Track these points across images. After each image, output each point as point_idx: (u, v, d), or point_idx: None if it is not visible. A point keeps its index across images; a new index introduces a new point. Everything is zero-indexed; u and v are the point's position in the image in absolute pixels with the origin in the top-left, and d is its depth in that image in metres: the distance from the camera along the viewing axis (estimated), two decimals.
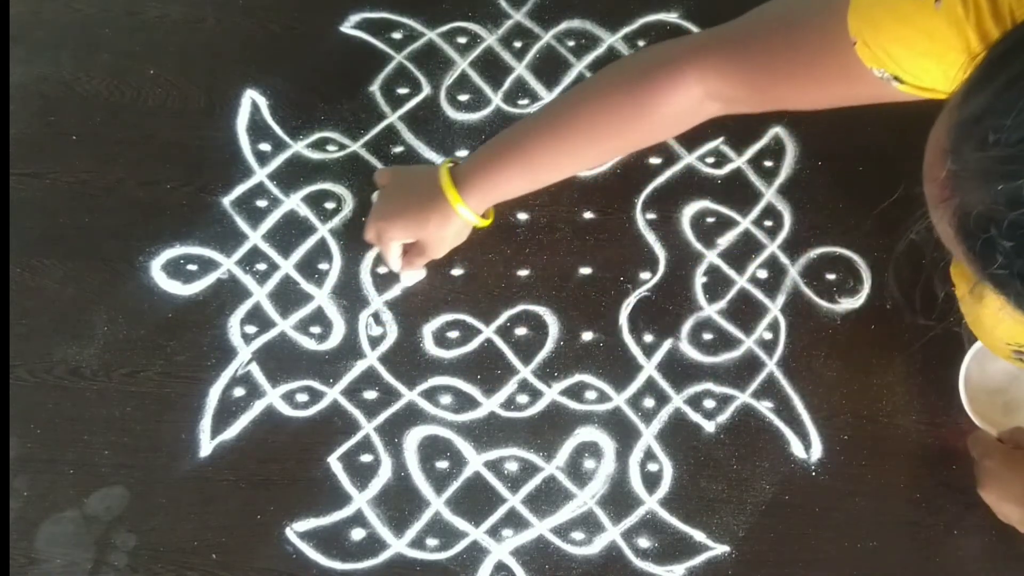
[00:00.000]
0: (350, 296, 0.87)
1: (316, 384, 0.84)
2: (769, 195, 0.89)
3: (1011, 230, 0.35)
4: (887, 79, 0.56)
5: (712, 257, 0.87)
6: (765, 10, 0.65)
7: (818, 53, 0.60)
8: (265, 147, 0.91)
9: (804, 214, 0.88)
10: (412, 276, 0.86)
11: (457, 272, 0.87)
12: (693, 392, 0.83)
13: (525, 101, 0.93)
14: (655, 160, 0.90)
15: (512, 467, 0.81)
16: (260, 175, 0.90)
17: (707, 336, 0.85)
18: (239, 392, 0.83)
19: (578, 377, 0.84)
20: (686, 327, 0.85)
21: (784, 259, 0.87)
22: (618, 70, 0.76)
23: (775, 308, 0.86)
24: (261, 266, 0.88)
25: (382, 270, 0.87)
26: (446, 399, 0.83)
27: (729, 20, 0.94)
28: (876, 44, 0.54)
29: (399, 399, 0.83)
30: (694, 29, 0.94)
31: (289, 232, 0.89)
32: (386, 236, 0.82)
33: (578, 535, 0.79)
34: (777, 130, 0.91)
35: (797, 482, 0.80)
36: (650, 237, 0.88)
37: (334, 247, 0.88)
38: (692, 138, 0.90)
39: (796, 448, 0.81)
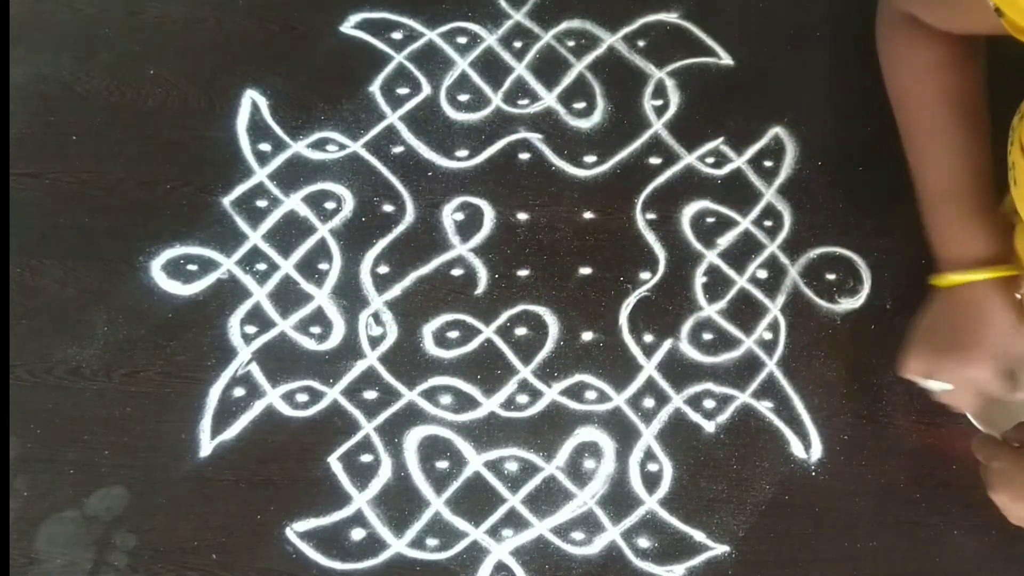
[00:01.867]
0: (350, 296, 0.87)
1: (316, 384, 0.84)
2: (769, 195, 0.89)
3: None
4: (993, 7, 0.58)
5: (712, 257, 0.87)
6: None
7: None
8: (265, 147, 0.91)
9: (804, 214, 0.88)
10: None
11: (457, 272, 0.87)
12: (693, 392, 0.83)
13: (525, 101, 0.93)
14: (655, 160, 0.90)
15: (512, 467, 0.81)
16: (260, 175, 0.90)
17: (707, 336, 0.85)
18: (239, 392, 0.83)
19: (578, 377, 0.84)
20: (686, 327, 0.85)
21: (784, 259, 0.87)
22: (892, 61, 0.78)
23: (775, 308, 0.86)
24: (261, 266, 0.88)
25: (382, 270, 0.87)
26: (446, 399, 0.83)
27: (730, 20, 0.95)
28: None
29: (399, 399, 0.83)
30: (694, 29, 0.94)
31: (289, 232, 0.89)
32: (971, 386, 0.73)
33: (578, 535, 0.79)
34: (777, 130, 0.91)
35: (797, 482, 0.80)
36: (650, 237, 0.88)
37: (334, 247, 0.88)
38: (692, 138, 0.90)
39: (796, 448, 0.81)
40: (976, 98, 0.74)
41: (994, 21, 0.59)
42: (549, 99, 0.93)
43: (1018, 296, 0.71)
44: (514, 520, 0.80)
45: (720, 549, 0.79)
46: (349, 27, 0.96)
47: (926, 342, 0.75)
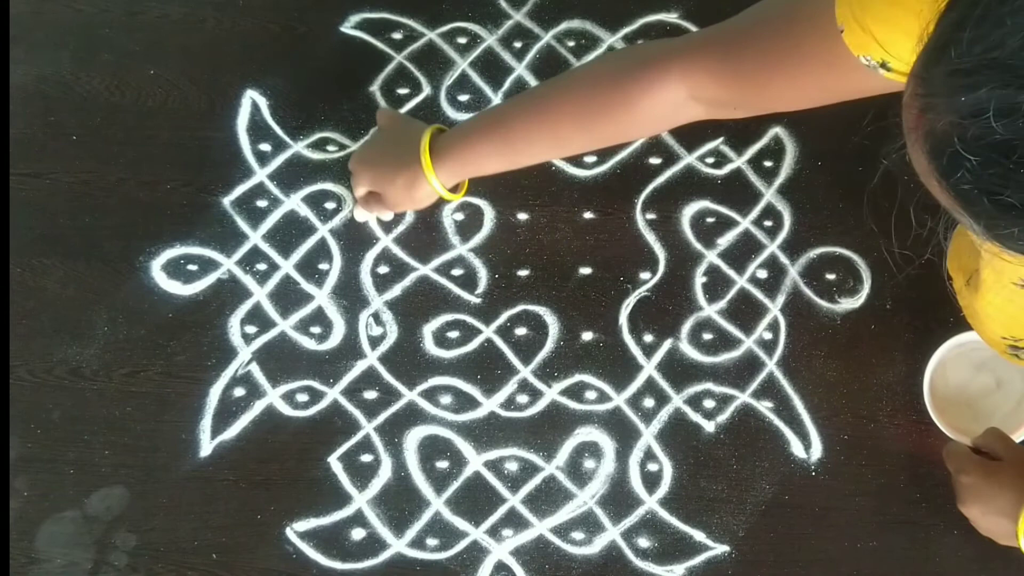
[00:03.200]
0: (350, 296, 0.87)
1: (316, 384, 0.84)
2: (769, 195, 0.89)
3: (974, 143, 0.36)
4: (873, 67, 0.56)
5: (712, 257, 0.87)
6: (753, 9, 0.65)
7: (805, 43, 0.59)
8: (265, 147, 0.91)
9: (804, 214, 0.88)
10: (362, 215, 0.88)
11: (457, 272, 0.87)
12: (693, 392, 0.83)
13: None
14: (655, 160, 0.90)
15: (512, 467, 0.81)
16: (260, 175, 0.90)
17: (707, 336, 0.85)
18: (239, 392, 0.83)
19: (578, 377, 0.84)
20: (686, 327, 0.85)
21: (784, 259, 0.87)
22: (605, 63, 0.77)
23: (775, 308, 0.86)
24: (261, 266, 0.88)
25: (382, 270, 0.87)
26: (446, 399, 0.83)
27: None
28: (863, 27, 0.54)
29: (399, 399, 0.83)
30: (694, 29, 0.94)
31: (289, 232, 0.89)
32: (356, 179, 0.85)
33: (578, 535, 0.79)
34: (777, 130, 0.91)
35: (797, 482, 0.80)
36: (650, 237, 0.88)
37: (334, 247, 0.88)
38: (692, 138, 0.90)
39: (796, 448, 0.81)
40: (628, 133, 0.80)
41: (870, 81, 0.56)
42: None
43: None
44: (514, 520, 0.80)
45: (720, 549, 0.79)
46: (349, 27, 0.96)
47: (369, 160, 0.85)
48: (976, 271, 0.67)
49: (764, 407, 0.83)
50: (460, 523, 0.80)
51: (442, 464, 0.81)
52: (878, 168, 0.91)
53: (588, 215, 0.89)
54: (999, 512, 0.69)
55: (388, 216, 0.88)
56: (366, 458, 0.82)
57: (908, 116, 0.43)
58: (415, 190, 0.81)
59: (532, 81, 0.93)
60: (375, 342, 0.85)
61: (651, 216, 0.89)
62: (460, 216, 0.89)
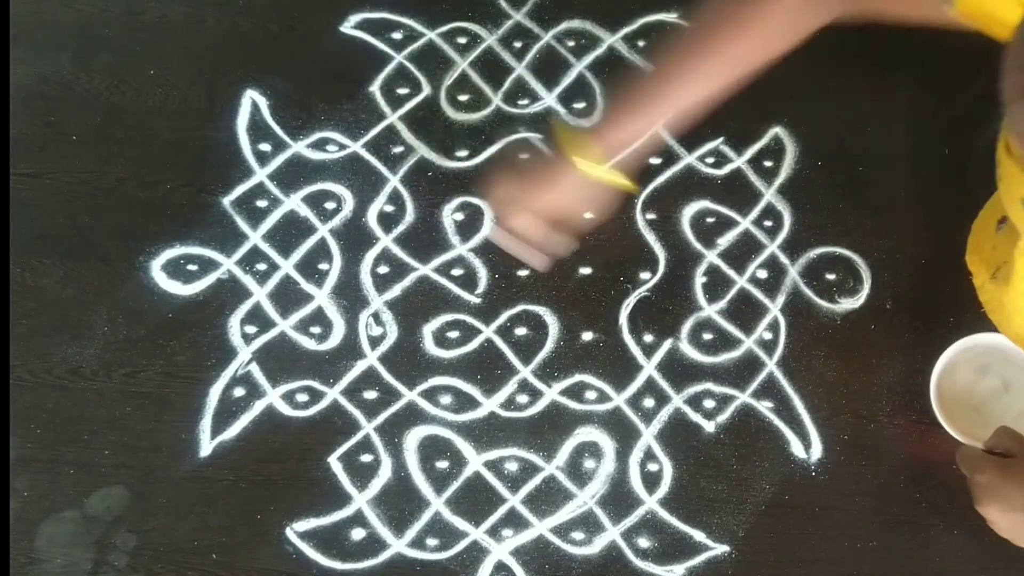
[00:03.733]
0: (350, 296, 0.87)
1: (316, 384, 0.84)
2: (769, 195, 0.89)
3: None
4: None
5: (712, 257, 0.87)
6: None
7: None
8: (265, 147, 0.91)
9: (804, 214, 0.88)
10: (542, 260, 0.80)
11: (457, 272, 0.87)
12: (693, 392, 0.83)
13: (525, 101, 0.93)
14: (655, 160, 0.90)
15: (512, 467, 0.81)
16: (260, 175, 0.90)
17: (707, 336, 0.85)
18: (239, 392, 0.83)
19: (578, 377, 0.84)
20: (686, 327, 0.85)
21: (784, 259, 0.87)
22: None
23: (775, 308, 0.86)
24: (261, 266, 0.88)
25: (382, 270, 0.87)
26: (446, 399, 0.83)
27: None
28: None
29: (399, 399, 0.83)
30: None
31: (289, 232, 0.89)
32: (515, 207, 0.75)
33: (578, 535, 0.79)
34: (777, 130, 0.91)
35: (797, 482, 0.80)
36: (650, 237, 0.88)
37: (334, 247, 0.88)
38: (692, 138, 0.90)
39: (796, 448, 0.81)
40: (757, 52, 0.73)
41: (936, 11, 0.58)
42: (549, 99, 0.93)
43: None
44: (514, 520, 0.80)
45: (720, 549, 0.79)
46: (349, 27, 0.96)
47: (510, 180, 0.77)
48: (1005, 263, 0.66)
49: (764, 407, 0.83)
50: (460, 523, 0.80)
51: (442, 464, 0.81)
52: (878, 168, 0.91)
53: (588, 215, 0.88)
54: (1018, 508, 0.68)
55: (567, 247, 0.80)
56: (366, 458, 0.82)
57: (1013, 78, 0.43)
58: (573, 182, 0.73)
59: (532, 81, 0.93)
60: (375, 342, 0.85)
61: (651, 216, 0.89)
62: (460, 216, 0.89)
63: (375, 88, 0.93)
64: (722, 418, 0.82)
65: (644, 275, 0.87)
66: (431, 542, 0.79)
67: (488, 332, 0.85)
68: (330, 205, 0.89)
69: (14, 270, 0.87)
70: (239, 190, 0.90)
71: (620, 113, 0.73)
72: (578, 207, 0.77)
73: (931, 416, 0.79)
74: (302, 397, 0.83)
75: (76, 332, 0.85)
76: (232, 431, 0.82)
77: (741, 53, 0.73)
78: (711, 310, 0.86)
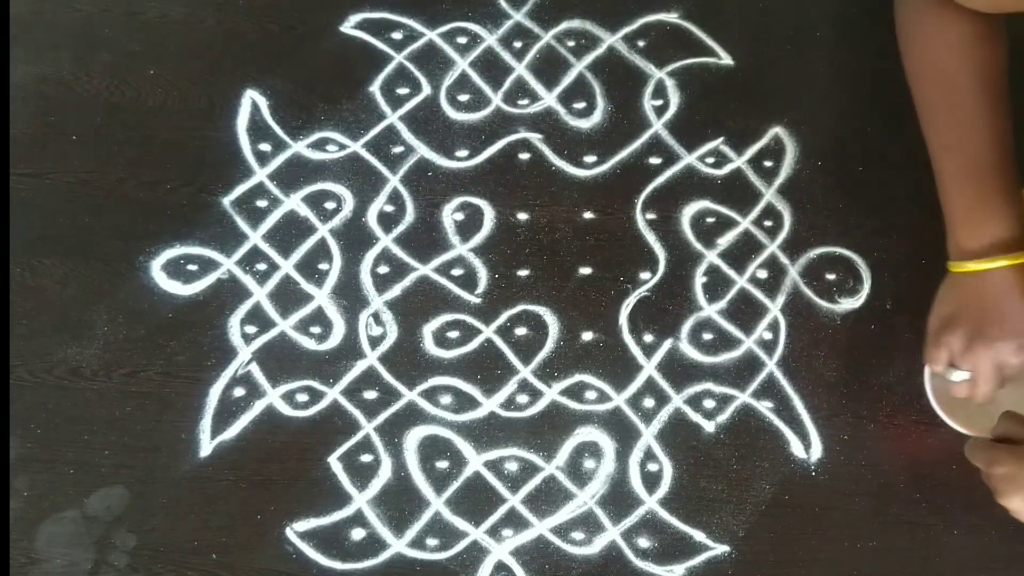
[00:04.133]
0: (350, 296, 0.87)
1: (316, 384, 0.84)
2: (769, 195, 0.89)
3: None
4: None
5: (712, 257, 0.87)
6: None
7: None
8: (265, 147, 0.91)
9: (804, 214, 0.88)
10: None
11: (457, 272, 0.87)
12: (693, 392, 0.83)
13: (525, 101, 0.93)
14: (655, 160, 0.90)
15: (512, 467, 0.81)
16: (260, 175, 0.90)
17: (707, 336, 0.85)
18: (239, 392, 0.83)
19: (578, 377, 0.84)
20: (686, 327, 0.85)
21: (784, 259, 0.87)
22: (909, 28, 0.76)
23: (775, 308, 0.86)
24: (261, 266, 0.88)
25: (382, 270, 0.87)
26: (446, 399, 0.83)
27: (730, 20, 0.94)
28: None
29: (399, 399, 0.83)
30: (694, 29, 0.94)
31: (289, 232, 0.89)
32: (996, 360, 0.71)
33: (578, 535, 0.79)
34: (777, 130, 0.91)
35: (797, 482, 0.80)
36: (650, 237, 0.88)
37: (334, 247, 0.88)
38: (692, 138, 0.90)
39: (796, 448, 0.81)
40: (1001, 76, 0.72)
41: None
42: (549, 99, 0.93)
43: None
44: (514, 520, 0.80)
45: (720, 549, 0.79)
46: (349, 27, 0.96)
47: (950, 331, 0.73)
48: None
49: (764, 407, 0.83)
50: (460, 523, 0.80)
51: (442, 464, 0.81)
52: (878, 168, 0.91)
53: (588, 215, 0.89)
54: None
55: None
56: (366, 458, 0.82)
57: None
58: (993, 293, 0.70)
59: (532, 81, 0.93)
60: (375, 342, 0.85)
61: (651, 216, 0.89)
62: (460, 216, 0.89)
63: (375, 88, 0.93)
64: (722, 418, 0.82)
65: (644, 275, 0.87)
66: (431, 542, 0.79)
67: (488, 332, 0.85)
68: (330, 205, 0.89)
69: (14, 270, 0.87)
70: (239, 190, 0.90)
71: (987, 220, 0.70)
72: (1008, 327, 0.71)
73: (931, 416, 0.79)
74: (302, 397, 0.83)
75: (76, 332, 0.85)
76: (232, 431, 0.82)
77: (983, 80, 0.72)
78: (711, 310, 0.86)
